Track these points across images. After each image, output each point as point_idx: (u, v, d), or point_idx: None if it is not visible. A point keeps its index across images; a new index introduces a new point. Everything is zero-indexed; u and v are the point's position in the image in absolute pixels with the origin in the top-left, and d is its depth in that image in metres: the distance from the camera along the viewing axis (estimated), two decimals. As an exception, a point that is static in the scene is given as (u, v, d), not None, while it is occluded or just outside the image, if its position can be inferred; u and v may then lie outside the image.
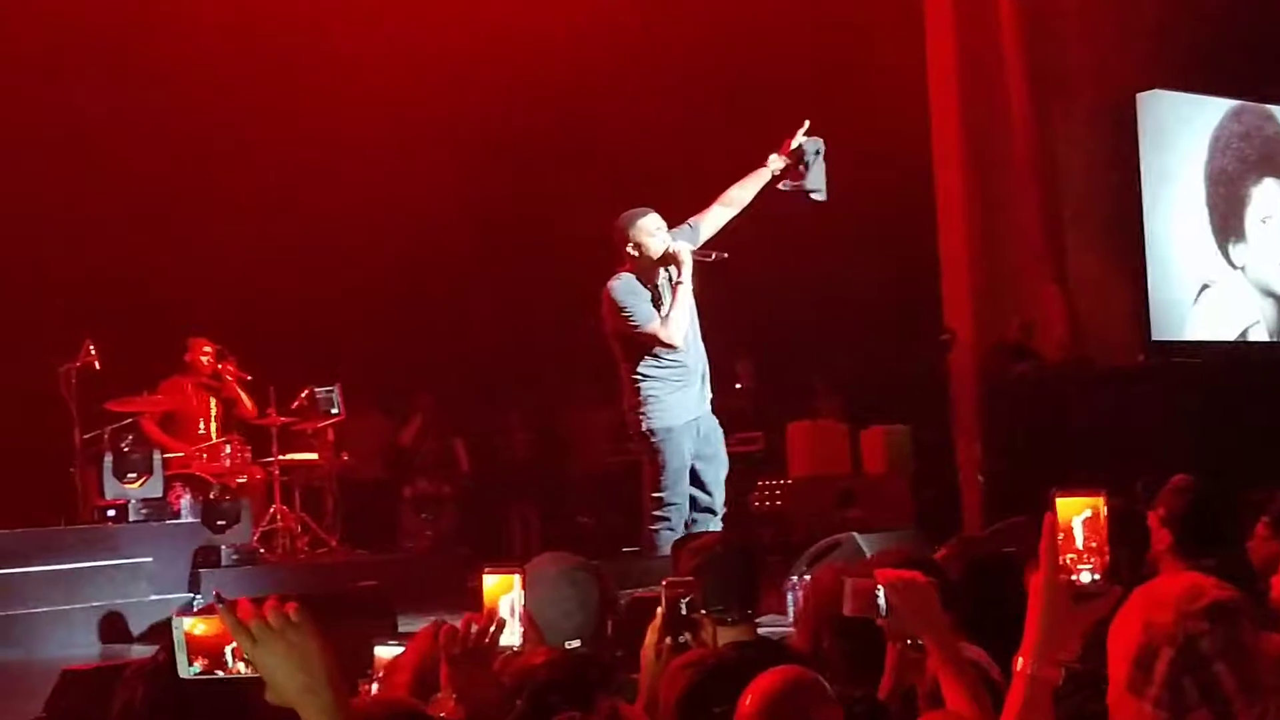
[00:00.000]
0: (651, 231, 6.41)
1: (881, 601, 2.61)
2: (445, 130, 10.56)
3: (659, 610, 3.12)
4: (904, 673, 2.79)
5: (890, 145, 9.92)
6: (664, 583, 3.17)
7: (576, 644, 4.26)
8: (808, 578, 5.96)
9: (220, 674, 2.03)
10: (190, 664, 2.04)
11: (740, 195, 6.70)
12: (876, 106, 9.84)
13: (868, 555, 5.64)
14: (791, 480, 9.70)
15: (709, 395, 6.64)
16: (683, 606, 3.09)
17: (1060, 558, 2.16)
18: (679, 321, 6.38)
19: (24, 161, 10.32)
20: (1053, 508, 2.17)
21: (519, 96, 10.66)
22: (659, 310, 6.43)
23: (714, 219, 6.65)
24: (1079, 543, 2.17)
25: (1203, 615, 2.06)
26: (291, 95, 10.68)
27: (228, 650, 2.03)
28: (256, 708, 2.54)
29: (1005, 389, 9.33)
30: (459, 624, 2.87)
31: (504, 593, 2.98)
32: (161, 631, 6.83)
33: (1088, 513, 2.17)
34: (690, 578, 3.18)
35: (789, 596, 6.16)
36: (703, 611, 3.15)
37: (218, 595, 2.21)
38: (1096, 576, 2.16)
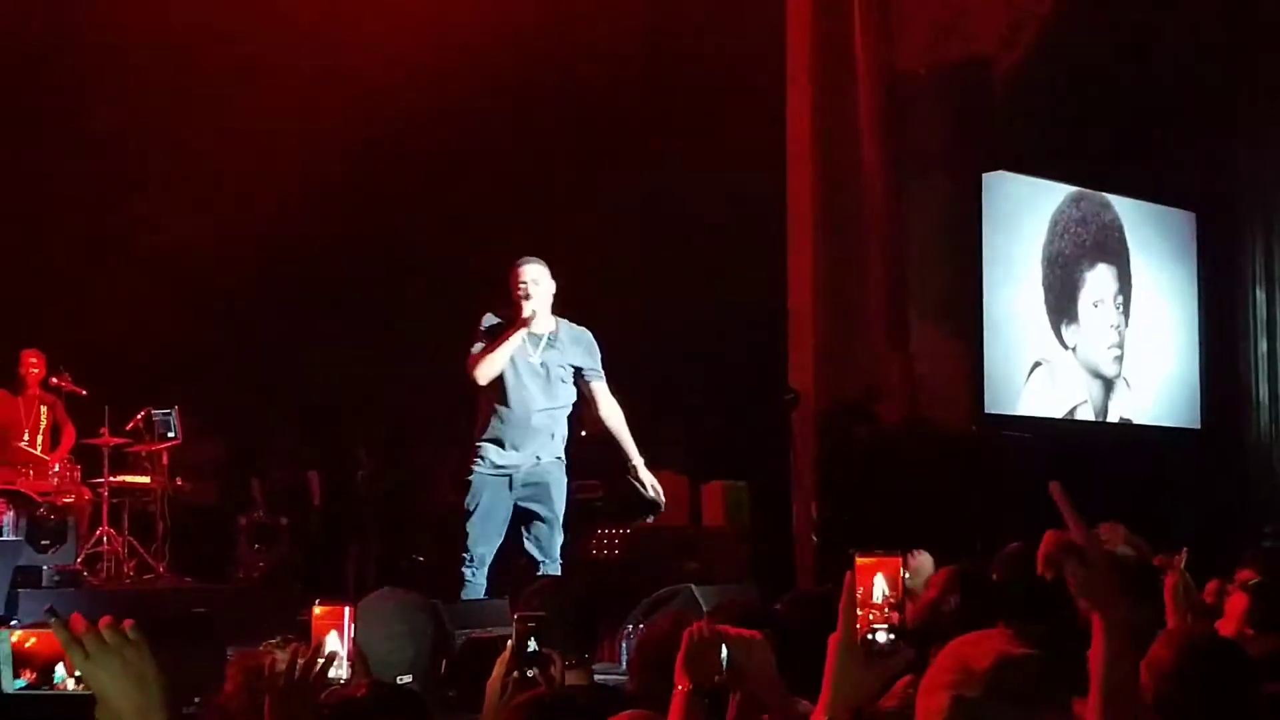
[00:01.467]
0: (521, 282, 6.59)
1: (724, 656, 2.66)
2: (302, 149, 10.44)
3: (509, 643, 3.13)
4: None
5: (745, 206, 10.11)
6: (515, 615, 3.19)
7: (408, 679, 4.25)
8: (642, 627, 6.05)
9: (48, 690, 1.97)
10: (15, 678, 1.98)
11: (611, 428, 7.00)
12: (735, 162, 10.04)
13: (704, 607, 5.73)
14: (630, 530, 9.74)
15: (548, 447, 6.76)
16: (533, 641, 3.11)
17: (858, 616, 2.21)
18: (490, 364, 6.53)
19: None
20: (853, 567, 2.23)
21: (376, 117, 10.60)
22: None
23: (602, 408, 6.91)
24: (876, 601, 2.22)
25: (981, 677, 2.15)
26: (142, 97, 10.50)
27: (58, 667, 1.97)
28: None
29: (845, 450, 9.53)
30: (285, 655, 2.85)
31: (333, 625, 2.96)
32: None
33: (886, 573, 2.23)
34: (541, 613, 3.19)
35: (623, 645, 6.23)
36: (548, 652, 3.16)
37: (50, 609, 2.14)
38: (892, 636, 2.21)
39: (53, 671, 1.98)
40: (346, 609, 2.98)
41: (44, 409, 9.68)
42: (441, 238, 10.89)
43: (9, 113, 10.48)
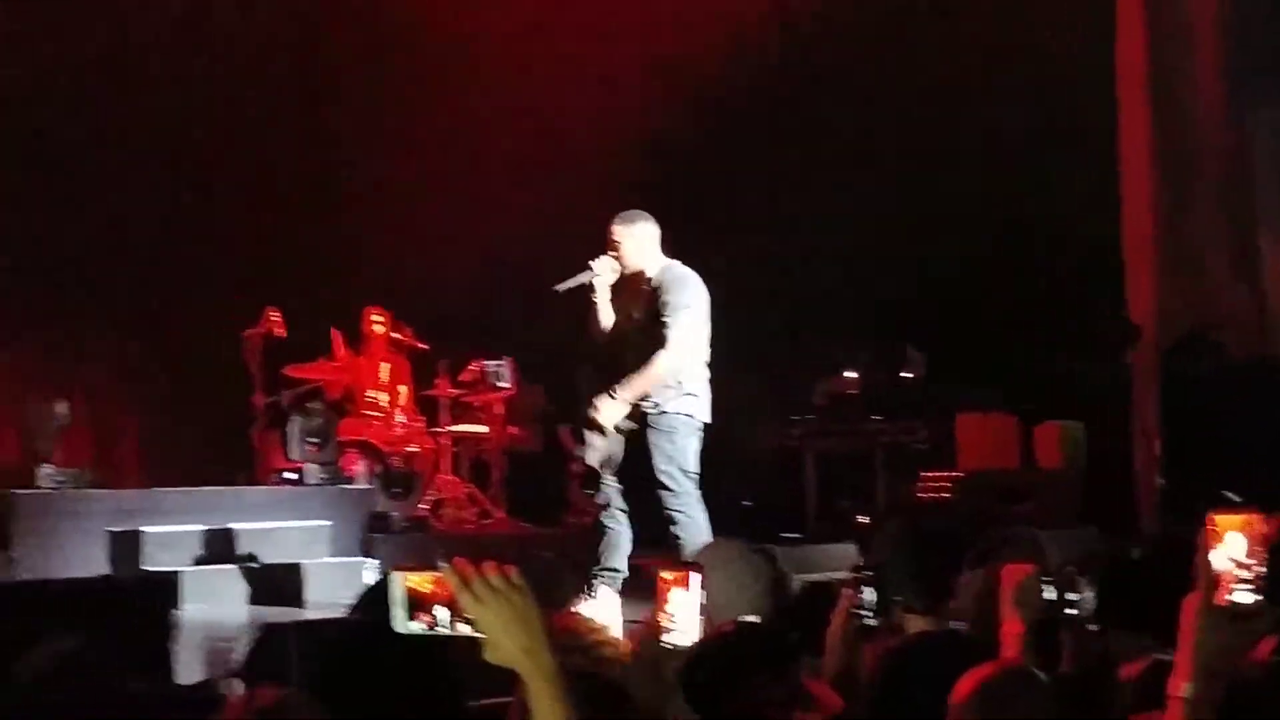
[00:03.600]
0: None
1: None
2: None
3: (846, 593, 3.14)
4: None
5: (1073, 131, 9.72)
6: (852, 569, 3.19)
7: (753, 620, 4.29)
8: (981, 572, 5.93)
9: (440, 631, 2.05)
10: (410, 620, 2.07)
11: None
12: (1061, 83, 9.65)
13: (1045, 552, 5.57)
14: (960, 473, 9.59)
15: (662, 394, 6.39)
16: (869, 591, 3.10)
17: (1217, 576, 2.10)
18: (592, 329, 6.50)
19: (208, 129, 10.64)
20: (1210, 525, 2.12)
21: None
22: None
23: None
24: (1237, 561, 2.11)
25: None
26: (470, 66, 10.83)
27: (439, 609, 2.06)
28: (459, 668, 2.61)
29: (1188, 386, 9.07)
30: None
31: (681, 587, 3.00)
32: (344, 590, 7.05)
33: (1247, 530, 2.11)
34: (876, 563, 3.19)
35: (958, 591, 6.11)
36: (895, 598, 3.16)
37: (441, 555, 2.23)
38: (1258, 597, 2.09)
39: (435, 614, 2.06)
40: (694, 573, 3.02)
41: (387, 366, 10.16)
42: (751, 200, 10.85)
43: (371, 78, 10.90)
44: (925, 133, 10.39)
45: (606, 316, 6.46)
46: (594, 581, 6.27)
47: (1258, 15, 9.40)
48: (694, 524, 6.19)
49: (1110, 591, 3.37)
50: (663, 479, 6.23)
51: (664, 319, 6.31)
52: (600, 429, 6.28)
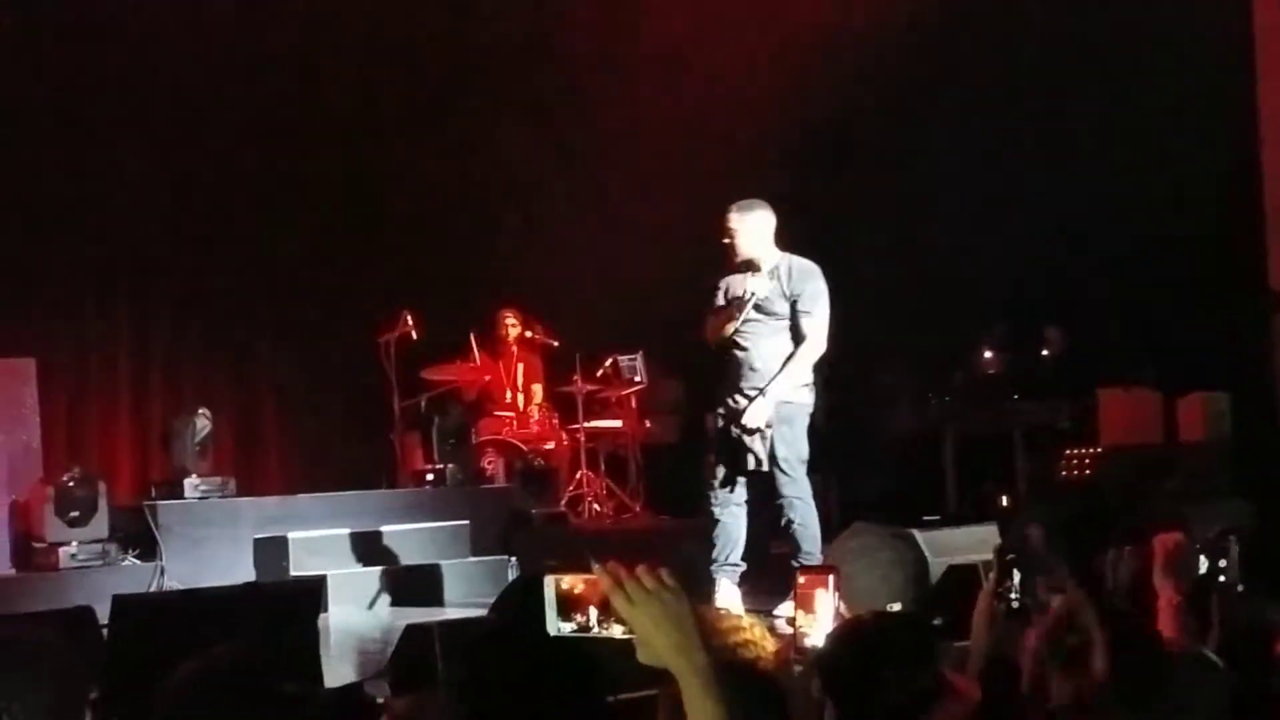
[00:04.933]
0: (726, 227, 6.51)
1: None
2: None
3: (990, 575, 3.09)
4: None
5: (1213, 103, 9.46)
6: (995, 549, 3.15)
7: (897, 608, 4.27)
8: (1130, 548, 5.81)
9: (594, 632, 2.06)
10: (564, 621, 2.08)
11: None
12: (1197, 54, 9.42)
13: (1191, 526, 5.43)
14: (1102, 449, 9.41)
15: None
16: (1015, 574, 3.06)
17: None
18: (713, 332, 6.52)
19: (348, 135, 10.80)
20: None
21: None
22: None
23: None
24: None
25: None
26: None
27: (592, 610, 2.06)
28: (604, 667, 2.63)
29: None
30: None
31: (819, 588, 3.00)
32: (481, 589, 7.13)
33: None
34: (1022, 542, 3.14)
35: (1106, 570, 6.00)
36: (1040, 577, 3.11)
37: (591, 557, 2.24)
38: None
39: (589, 616, 2.07)
40: (831, 575, 3.02)
41: (521, 365, 10.25)
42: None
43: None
44: (1061, 106, 10.20)
45: (733, 327, 6.48)
46: (714, 576, 6.29)
47: None
48: (810, 510, 6.35)
49: (1260, 563, 3.31)
50: (783, 466, 6.34)
51: (803, 310, 6.39)
52: (757, 431, 6.34)
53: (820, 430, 10.95)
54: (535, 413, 10.06)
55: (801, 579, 3.02)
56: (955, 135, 10.33)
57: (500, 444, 9.72)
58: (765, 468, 6.35)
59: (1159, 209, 9.76)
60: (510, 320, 10.17)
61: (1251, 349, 9.29)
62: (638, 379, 10.28)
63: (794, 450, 6.37)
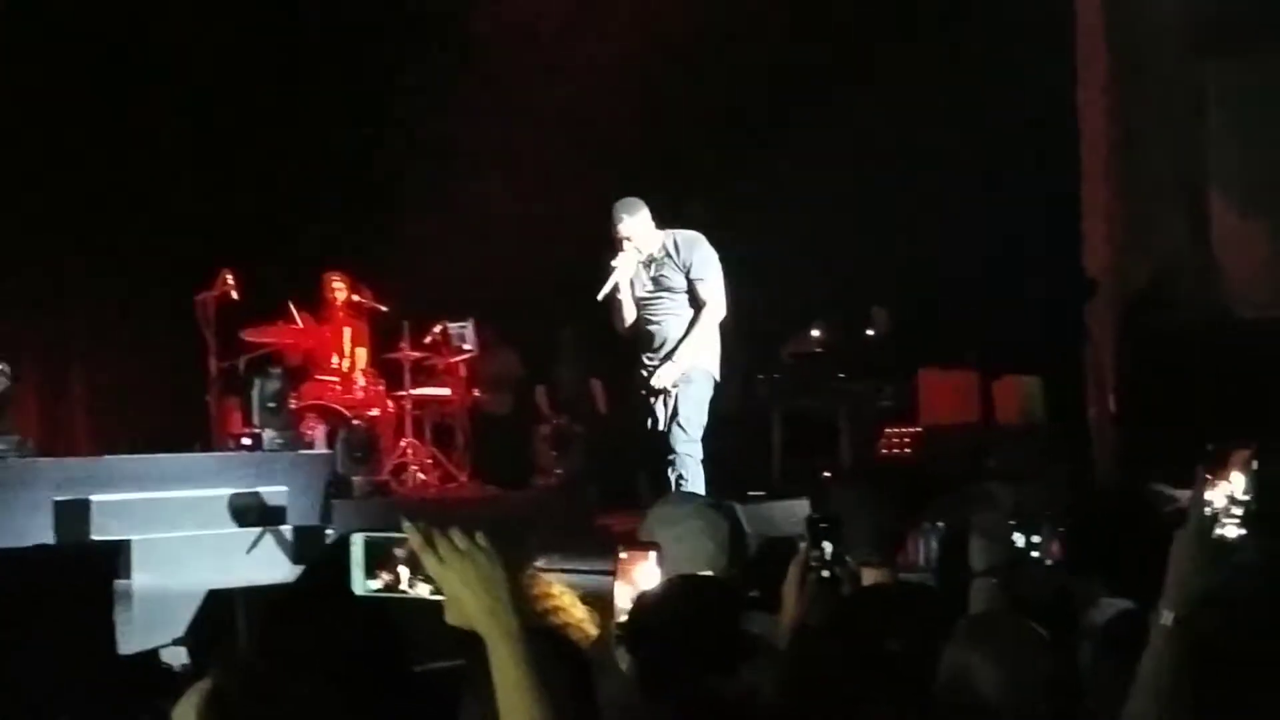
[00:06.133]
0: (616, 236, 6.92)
1: None
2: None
3: (803, 546, 3.10)
4: None
5: (1032, 89, 9.69)
6: (807, 519, 3.16)
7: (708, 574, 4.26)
8: (940, 525, 5.93)
9: (401, 591, 2.02)
10: (368, 579, 2.04)
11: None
12: (1021, 42, 9.63)
13: (1004, 505, 5.56)
14: (922, 428, 9.60)
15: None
16: (828, 543, 3.07)
17: (1209, 510, 2.17)
18: (619, 322, 7.00)
19: (160, 86, 10.45)
20: (1210, 460, 2.19)
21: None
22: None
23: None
24: (1229, 497, 2.18)
25: None
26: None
27: (400, 568, 2.02)
28: (408, 632, 2.56)
29: (1143, 341, 9.14)
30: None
31: (641, 565, 2.99)
32: (307, 553, 6.98)
33: (1239, 467, 2.19)
34: (834, 513, 3.15)
35: (921, 544, 6.12)
36: (851, 550, 3.13)
37: (403, 515, 2.20)
38: (1242, 531, 2.16)
39: (399, 577, 2.03)
40: (653, 552, 3.00)
41: (348, 330, 10.06)
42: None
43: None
44: (890, 95, 10.34)
45: (630, 310, 6.95)
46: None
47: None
48: (699, 470, 6.74)
49: (1070, 540, 3.39)
50: (682, 423, 6.77)
51: (697, 278, 6.87)
52: (663, 392, 6.81)
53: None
54: (360, 378, 9.89)
55: (624, 554, 3.00)
56: (807, 134, 10.40)
57: (322, 409, 9.53)
58: (664, 428, 6.78)
59: (983, 198, 9.97)
60: (337, 284, 9.99)
61: (1067, 335, 9.55)
62: (467, 347, 10.18)
63: (695, 409, 6.80)
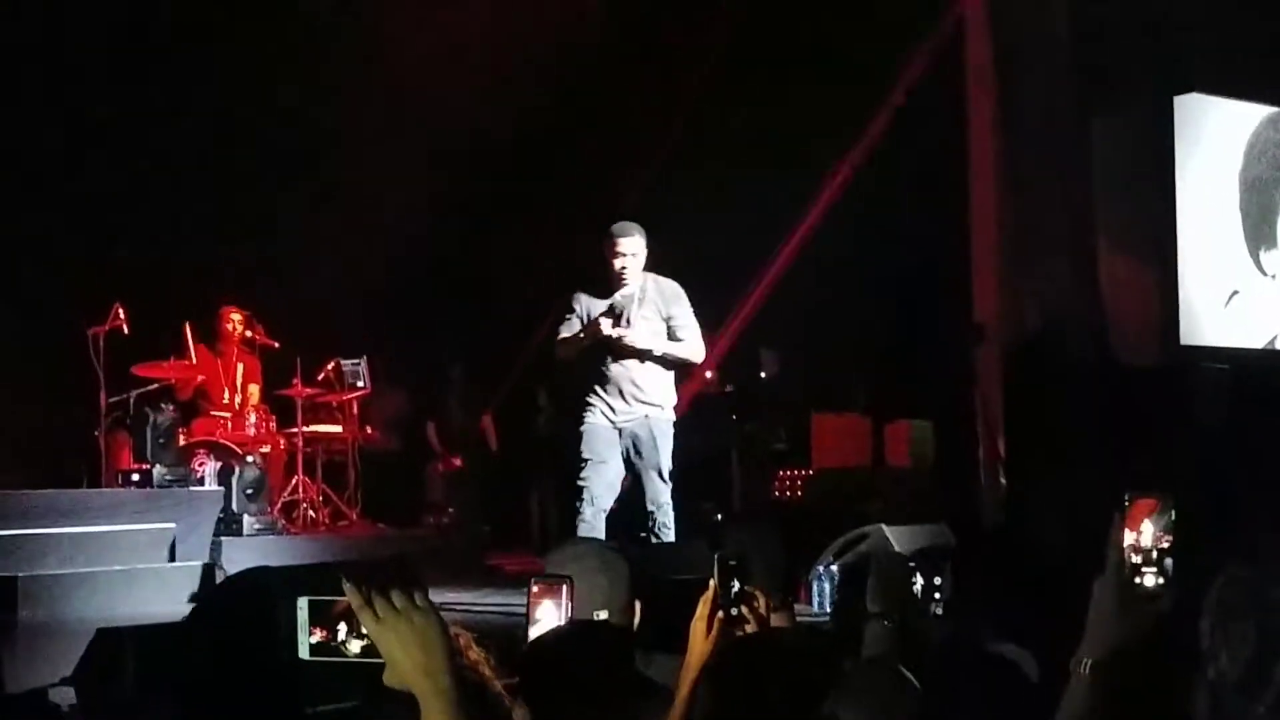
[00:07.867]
0: (619, 253, 6.87)
1: None
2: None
3: (711, 582, 3.12)
4: None
5: (923, 139, 9.89)
6: (716, 555, 3.17)
7: (603, 615, 4.28)
8: (834, 568, 6.01)
9: (342, 655, 2.00)
10: (311, 641, 2.01)
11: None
12: (911, 95, 9.84)
13: (896, 548, 5.67)
14: (812, 472, 9.71)
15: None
16: (737, 581, 3.09)
17: (1127, 558, 2.18)
18: (568, 353, 6.97)
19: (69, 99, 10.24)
20: (1127, 507, 2.19)
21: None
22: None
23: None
24: (1145, 545, 2.18)
25: None
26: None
27: (340, 631, 2.01)
28: (304, 676, 2.55)
29: (1032, 385, 9.33)
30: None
31: (551, 598, 3.00)
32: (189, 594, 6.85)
33: (1156, 515, 2.19)
34: (743, 551, 3.18)
35: (814, 586, 6.20)
36: (752, 590, 3.14)
37: (342, 572, 2.16)
38: (1160, 580, 2.17)
39: (337, 631, 2.01)
40: (564, 586, 3.01)
41: (241, 365, 9.95)
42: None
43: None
44: (775, 140, 10.50)
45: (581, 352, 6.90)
46: None
47: (1100, 26, 9.67)
48: (671, 514, 6.92)
49: (957, 581, 3.46)
50: (663, 474, 6.92)
51: (679, 334, 6.91)
52: (616, 336, 6.78)
53: (544, 444, 11.16)
54: (252, 414, 9.78)
55: (535, 588, 3.01)
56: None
57: (213, 445, 9.40)
58: (633, 471, 6.89)
59: (877, 244, 10.15)
60: (235, 318, 9.89)
61: (957, 380, 9.72)
62: (360, 384, 10.11)
63: (668, 459, 6.94)
